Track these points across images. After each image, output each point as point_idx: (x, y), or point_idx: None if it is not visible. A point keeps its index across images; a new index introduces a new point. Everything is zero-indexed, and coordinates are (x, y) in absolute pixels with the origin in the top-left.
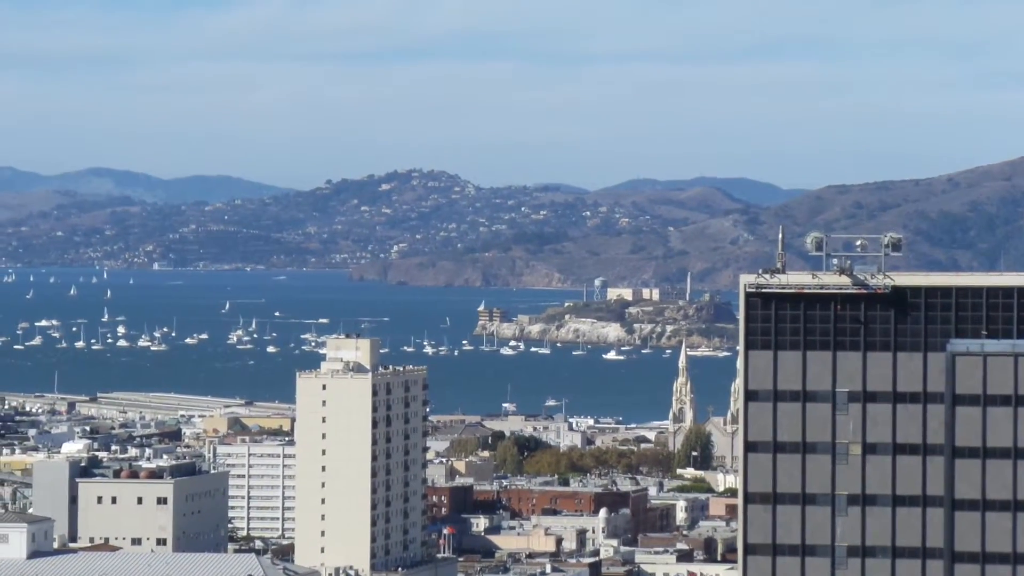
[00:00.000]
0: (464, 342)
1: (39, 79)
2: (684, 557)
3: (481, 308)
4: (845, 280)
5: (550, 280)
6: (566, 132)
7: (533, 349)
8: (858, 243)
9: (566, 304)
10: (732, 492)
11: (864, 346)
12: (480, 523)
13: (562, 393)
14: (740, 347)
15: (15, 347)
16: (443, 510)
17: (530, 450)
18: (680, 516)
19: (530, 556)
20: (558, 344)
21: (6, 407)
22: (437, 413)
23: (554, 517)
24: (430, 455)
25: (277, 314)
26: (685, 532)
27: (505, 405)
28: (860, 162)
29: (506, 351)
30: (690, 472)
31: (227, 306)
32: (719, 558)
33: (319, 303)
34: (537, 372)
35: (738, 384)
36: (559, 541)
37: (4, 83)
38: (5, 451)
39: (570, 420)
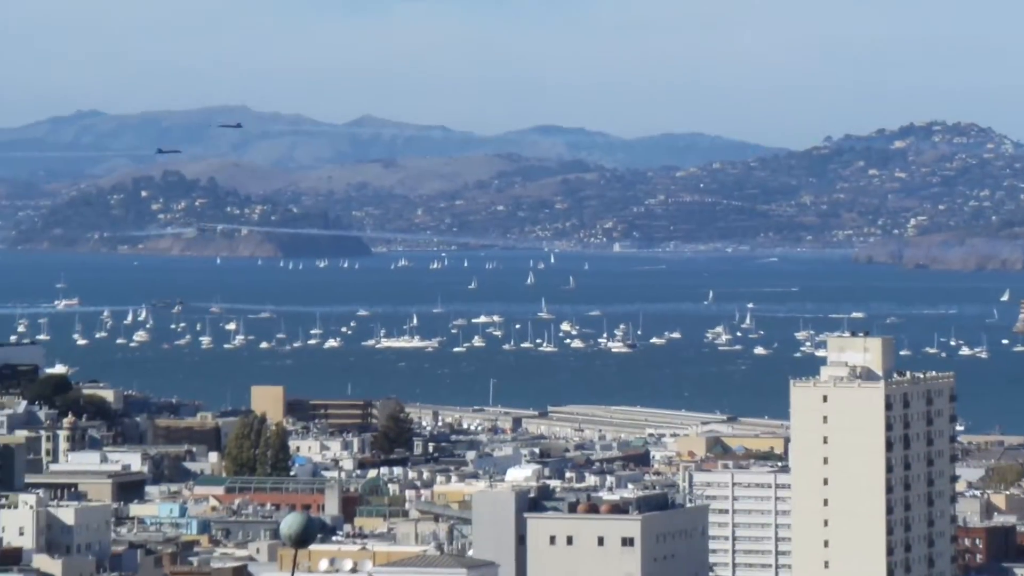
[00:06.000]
0: (1004, 341)
1: (474, 16)
2: None
3: (1005, 297)
4: None
5: None
6: None
7: None
8: None
9: None
10: None
11: None
12: None
13: None
14: None
15: (453, 350)
16: (978, 556)
17: None
18: None
19: None
20: None
21: (440, 424)
22: (969, 433)
23: None
24: (960, 486)
25: (750, 306)
26: None
27: None
28: None
29: None
30: None
31: (710, 296)
32: None
33: (817, 291)
34: None
35: None
36: None
37: (437, 19)
38: (439, 479)
39: None
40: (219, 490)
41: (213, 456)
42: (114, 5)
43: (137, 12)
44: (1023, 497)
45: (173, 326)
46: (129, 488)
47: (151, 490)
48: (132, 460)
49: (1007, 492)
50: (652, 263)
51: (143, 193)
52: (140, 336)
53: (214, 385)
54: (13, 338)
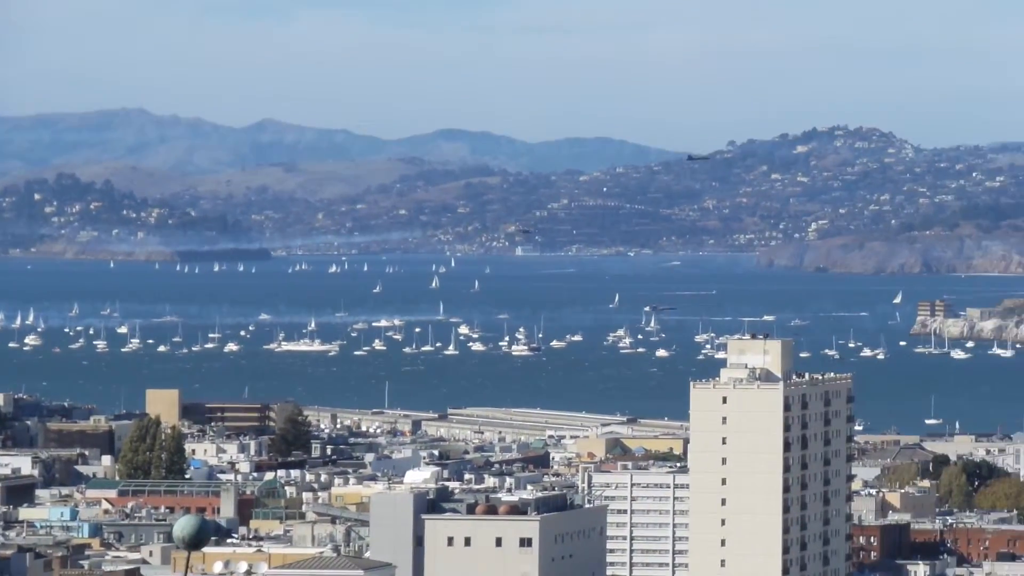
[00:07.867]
0: (902, 343)
1: (383, 19)
2: None
3: (898, 299)
4: None
5: (1007, 264)
6: None
7: (995, 351)
8: None
9: None
10: None
11: None
12: (919, 571)
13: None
14: None
15: (354, 353)
16: (872, 554)
17: (982, 479)
18: None
19: None
20: (1018, 345)
21: (338, 427)
22: (865, 433)
23: (1012, 564)
24: (856, 485)
25: (646, 309)
26: None
27: (929, 422)
28: None
29: (958, 354)
30: None
31: (616, 300)
32: None
33: (715, 295)
34: (993, 380)
35: None
36: None
37: (342, 24)
38: (337, 481)
39: None
40: (112, 493)
41: (106, 460)
42: (9, 6)
43: (33, 13)
44: (917, 495)
45: (67, 330)
46: (19, 492)
47: (41, 493)
48: (22, 463)
49: (902, 490)
50: (560, 267)
51: (36, 196)
52: (32, 340)
53: (108, 389)
54: None
